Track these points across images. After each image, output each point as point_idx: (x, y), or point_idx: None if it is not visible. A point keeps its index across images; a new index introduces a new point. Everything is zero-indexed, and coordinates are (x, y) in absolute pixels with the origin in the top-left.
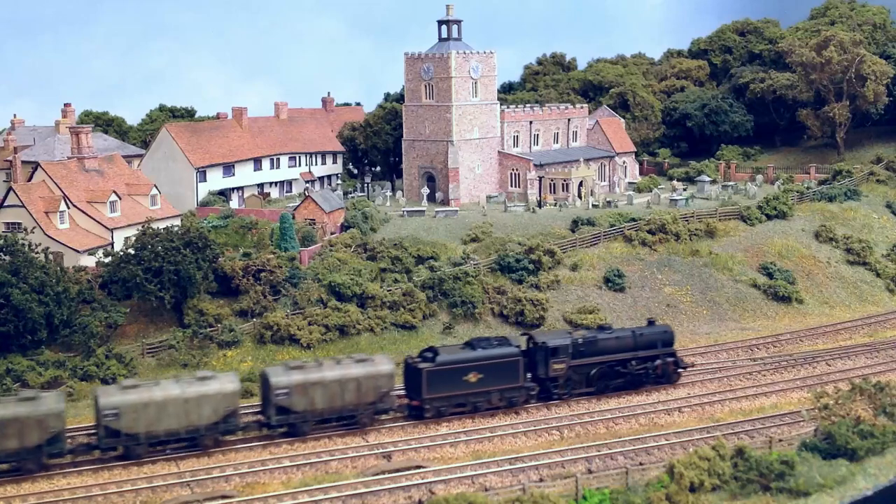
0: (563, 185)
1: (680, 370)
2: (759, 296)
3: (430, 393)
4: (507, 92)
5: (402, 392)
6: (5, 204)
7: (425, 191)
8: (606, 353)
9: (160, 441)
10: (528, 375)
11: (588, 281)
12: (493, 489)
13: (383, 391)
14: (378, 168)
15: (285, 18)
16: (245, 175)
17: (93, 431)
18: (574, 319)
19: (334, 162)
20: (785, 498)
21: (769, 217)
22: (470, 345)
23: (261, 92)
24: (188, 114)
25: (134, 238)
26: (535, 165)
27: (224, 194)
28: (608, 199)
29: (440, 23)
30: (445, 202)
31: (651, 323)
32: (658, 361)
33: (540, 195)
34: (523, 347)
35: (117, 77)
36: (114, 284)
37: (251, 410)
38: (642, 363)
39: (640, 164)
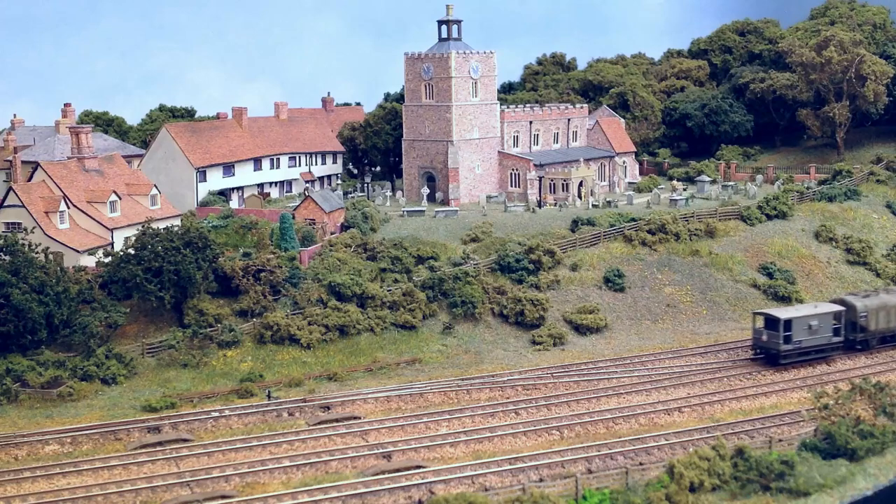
0: (563, 185)
1: None
2: (759, 296)
3: None
4: (507, 92)
5: None
6: (5, 204)
7: (425, 191)
8: None
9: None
10: None
11: (588, 281)
12: (493, 489)
13: None
14: (378, 168)
15: (285, 18)
16: (245, 175)
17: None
18: (574, 319)
19: (334, 162)
20: (785, 498)
21: (769, 217)
22: None
23: (261, 92)
24: (188, 114)
25: (134, 238)
26: (535, 165)
27: (224, 194)
28: (608, 199)
29: (440, 23)
30: (445, 202)
31: None
32: None
33: (540, 195)
34: None
35: (117, 77)
36: (114, 284)
37: None
38: None
39: (640, 164)
